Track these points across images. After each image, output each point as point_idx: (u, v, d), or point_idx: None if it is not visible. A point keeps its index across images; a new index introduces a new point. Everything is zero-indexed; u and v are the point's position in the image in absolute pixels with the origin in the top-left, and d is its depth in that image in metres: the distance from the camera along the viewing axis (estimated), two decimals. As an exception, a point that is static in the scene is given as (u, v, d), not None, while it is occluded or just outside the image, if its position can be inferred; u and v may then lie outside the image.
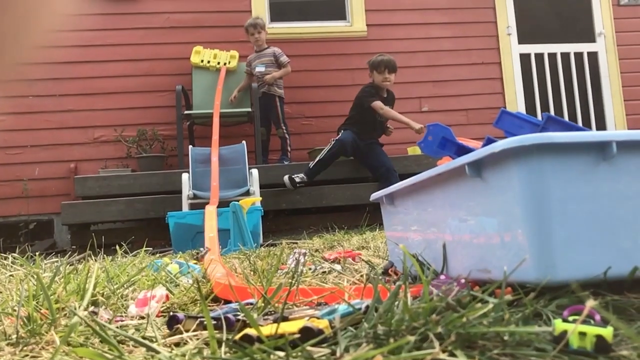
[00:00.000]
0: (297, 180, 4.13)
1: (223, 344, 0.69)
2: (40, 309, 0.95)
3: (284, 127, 4.84)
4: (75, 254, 3.00)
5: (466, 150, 1.46)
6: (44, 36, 0.48)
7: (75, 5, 0.51)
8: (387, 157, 4.40)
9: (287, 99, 4.99)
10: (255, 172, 3.97)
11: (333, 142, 4.29)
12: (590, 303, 0.61)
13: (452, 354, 0.61)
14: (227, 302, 1.13)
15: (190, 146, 4.24)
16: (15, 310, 0.92)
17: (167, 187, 4.21)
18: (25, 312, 0.90)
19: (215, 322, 0.77)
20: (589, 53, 5.89)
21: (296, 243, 2.93)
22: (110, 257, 2.18)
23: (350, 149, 4.30)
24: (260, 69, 4.80)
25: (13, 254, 1.87)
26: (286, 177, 4.13)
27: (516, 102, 5.64)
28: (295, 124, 5.08)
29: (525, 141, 0.83)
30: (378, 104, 4.36)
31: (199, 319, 0.83)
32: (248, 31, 4.84)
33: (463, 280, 0.87)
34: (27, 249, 2.55)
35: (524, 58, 5.78)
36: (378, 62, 4.39)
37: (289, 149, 4.86)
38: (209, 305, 1.11)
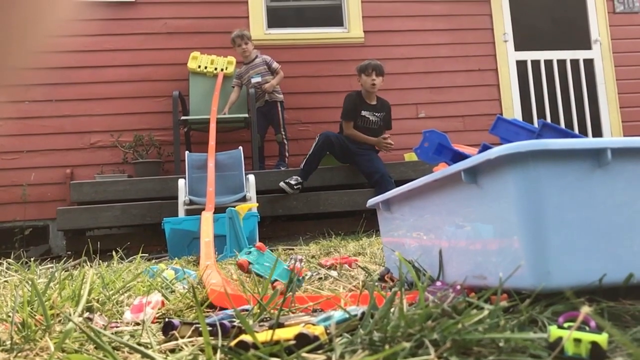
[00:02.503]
0: (293, 182, 4.14)
1: (218, 350, 0.69)
2: (35, 315, 0.95)
3: (283, 132, 4.86)
4: (71, 259, 2.99)
5: (462, 156, 1.46)
6: (47, 41, 0.48)
7: (78, 10, 0.51)
8: (381, 164, 4.40)
9: (284, 104, 5.01)
10: (251, 177, 3.96)
11: (317, 137, 4.35)
12: (585, 310, 0.61)
13: (447, 361, 0.61)
14: (223, 308, 1.13)
15: (187, 152, 4.24)
16: (9, 316, 0.91)
17: (164, 192, 4.21)
18: (19, 318, 0.90)
19: (210, 328, 0.77)
20: (585, 60, 5.92)
21: (293, 249, 2.92)
22: (106, 263, 2.17)
23: (336, 144, 4.34)
24: (256, 79, 4.82)
25: (8, 259, 1.86)
26: (282, 183, 4.13)
27: (513, 109, 5.66)
28: (292, 130, 5.09)
29: (521, 148, 0.83)
30: (346, 125, 4.44)
31: (194, 325, 0.82)
32: (235, 42, 4.85)
33: (459, 287, 0.87)
34: (22, 255, 2.54)
35: (521, 65, 5.80)
36: (365, 65, 4.44)
37: (286, 154, 4.87)
38: (205, 312, 1.11)
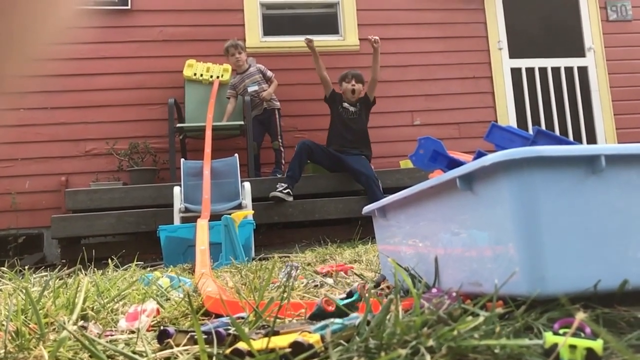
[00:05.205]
0: (281, 189, 4.14)
1: (214, 358, 0.68)
2: (29, 324, 0.94)
3: (280, 140, 4.88)
4: (65, 268, 2.97)
5: (457, 163, 1.46)
6: (46, 48, 0.48)
7: (77, 17, 0.51)
8: (367, 166, 4.46)
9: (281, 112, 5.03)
10: (247, 185, 3.96)
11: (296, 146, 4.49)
12: (580, 316, 0.61)
13: (443, 368, 0.61)
14: (218, 316, 1.12)
15: (183, 159, 4.24)
16: (3, 325, 0.91)
17: (159, 200, 4.19)
18: (13, 326, 0.89)
19: (206, 336, 0.76)
20: (579, 67, 5.96)
21: (288, 257, 2.92)
22: (101, 271, 2.17)
23: (315, 150, 4.44)
24: (253, 87, 4.84)
25: (2, 267, 1.85)
26: (273, 194, 4.12)
27: (507, 116, 5.69)
28: (288, 137, 5.09)
29: (516, 155, 0.84)
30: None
31: (189, 333, 0.82)
32: (229, 52, 4.86)
33: (454, 294, 0.87)
34: (16, 263, 2.53)
35: (515, 72, 5.84)
36: (345, 73, 4.67)
37: (283, 161, 4.87)
38: (200, 319, 1.10)
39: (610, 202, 0.87)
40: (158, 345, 0.83)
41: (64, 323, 0.96)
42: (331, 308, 0.90)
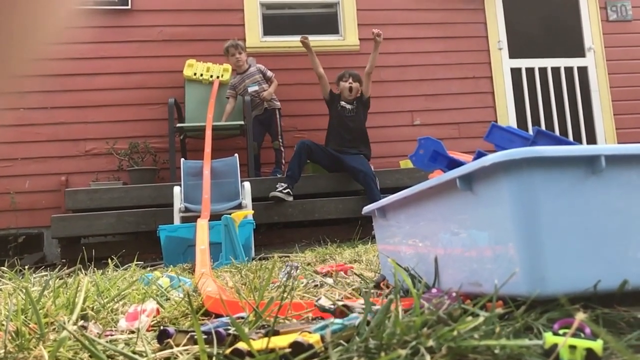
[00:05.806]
0: (281, 189, 4.14)
1: (214, 358, 0.68)
2: (29, 324, 0.94)
3: (280, 140, 4.88)
4: (65, 267, 2.97)
5: (457, 163, 1.46)
6: (46, 47, 0.48)
7: (77, 17, 0.51)
8: (365, 164, 4.48)
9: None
10: (247, 185, 3.96)
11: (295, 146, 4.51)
12: (580, 316, 0.61)
13: (443, 368, 0.61)
14: (218, 316, 1.12)
15: (183, 159, 4.24)
16: (3, 325, 0.91)
17: (159, 200, 4.19)
18: (13, 326, 0.89)
19: (206, 336, 0.76)
20: (579, 68, 5.96)
21: (288, 256, 2.92)
22: (101, 270, 2.17)
23: (315, 150, 4.46)
24: (254, 88, 4.84)
25: (2, 267, 1.85)
26: (272, 193, 4.12)
27: (507, 116, 5.69)
28: (287, 137, 5.09)
29: (515, 155, 0.84)
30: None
31: (189, 334, 0.82)
32: (229, 52, 4.85)
33: (454, 294, 0.87)
34: (16, 263, 2.53)
35: (515, 72, 5.84)
36: (342, 73, 4.73)
37: (283, 161, 4.88)
38: (200, 319, 1.10)
39: (610, 202, 0.87)
40: (158, 345, 0.83)
41: (64, 323, 0.96)
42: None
